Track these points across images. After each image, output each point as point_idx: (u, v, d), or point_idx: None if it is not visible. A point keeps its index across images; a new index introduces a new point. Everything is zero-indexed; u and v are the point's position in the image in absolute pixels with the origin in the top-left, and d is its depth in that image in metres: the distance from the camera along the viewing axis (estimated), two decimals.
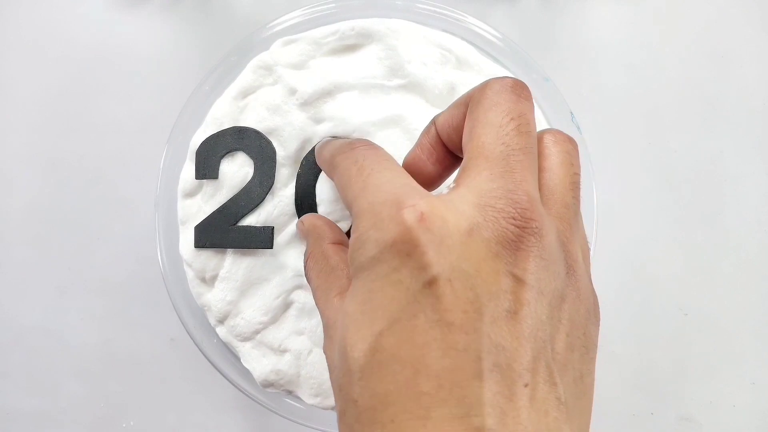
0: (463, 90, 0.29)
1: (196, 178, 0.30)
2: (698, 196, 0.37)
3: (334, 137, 0.28)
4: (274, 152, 0.29)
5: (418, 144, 0.22)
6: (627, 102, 0.38)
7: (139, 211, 0.37)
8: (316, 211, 0.28)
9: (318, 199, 0.28)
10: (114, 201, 0.38)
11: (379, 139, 0.28)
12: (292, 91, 0.29)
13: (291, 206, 0.28)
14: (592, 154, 0.31)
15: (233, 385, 0.31)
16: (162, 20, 0.39)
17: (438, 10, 0.32)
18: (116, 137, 0.38)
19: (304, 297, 0.29)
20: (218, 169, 0.29)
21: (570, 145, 0.20)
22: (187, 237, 0.30)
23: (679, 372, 0.36)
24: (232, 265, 0.29)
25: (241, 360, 0.30)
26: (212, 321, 0.30)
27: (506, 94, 0.19)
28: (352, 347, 0.16)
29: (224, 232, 0.28)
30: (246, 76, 0.30)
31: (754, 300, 0.37)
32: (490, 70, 0.30)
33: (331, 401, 0.29)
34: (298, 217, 0.28)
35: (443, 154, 0.21)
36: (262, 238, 0.28)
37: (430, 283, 0.15)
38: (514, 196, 0.17)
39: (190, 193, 0.30)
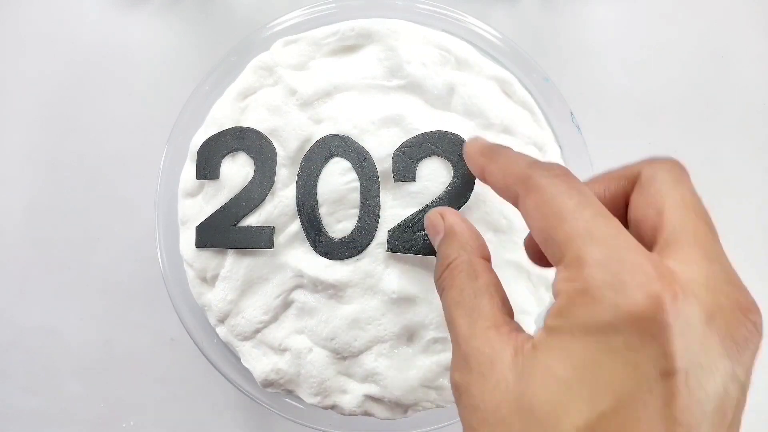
0: (462, 90, 0.29)
1: (198, 178, 0.30)
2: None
3: (477, 137, 0.25)
4: (274, 152, 0.29)
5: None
6: (627, 102, 0.38)
7: (139, 211, 0.37)
8: (318, 212, 0.28)
9: (320, 200, 0.28)
10: (114, 201, 0.38)
11: (378, 138, 0.28)
12: (292, 92, 0.29)
13: (291, 206, 0.28)
14: (592, 154, 0.31)
15: (233, 385, 0.31)
16: (162, 20, 0.39)
17: (438, 10, 0.32)
18: (116, 137, 0.38)
19: (304, 296, 0.29)
20: (219, 170, 0.29)
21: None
22: (187, 237, 0.30)
23: None
24: (232, 264, 0.29)
25: (241, 359, 0.30)
26: (212, 320, 0.30)
27: (681, 172, 0.18)
28: (561, 418, 0.15)
29: (225, 232, 0.28)
30: (246, 77, 0.30)
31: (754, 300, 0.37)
32: (490, 70, 0.30)
33: (330, 400, 0.29)
34: (299, 218, 0.28)
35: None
36: (263, 238, 0.28)
37: (669, 374, 0.14)
38: (736, 285, 0.16)
39: (191, 194, 0.30)
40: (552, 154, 0.30)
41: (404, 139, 0.28)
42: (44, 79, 0.39)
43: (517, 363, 0.17)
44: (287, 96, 0.29)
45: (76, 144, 0.38)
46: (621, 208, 0.20)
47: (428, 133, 0.28)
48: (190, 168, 0.30)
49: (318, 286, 0.28)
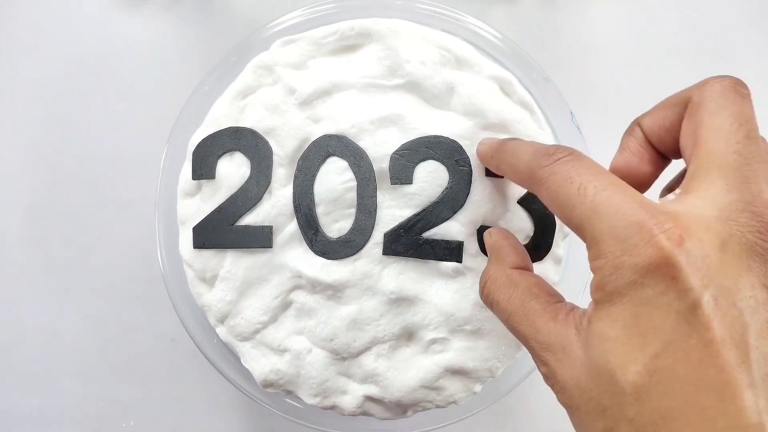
0: (462, 90, 0.29)
1: (193, 178, 0.30)
2: None
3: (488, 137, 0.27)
4: (270, 151, 0.29)
5: (625, 147, 0.22)
6: (627, 102, 0.38)
7: (139, 211, 0.37)
8: (315, 212, 0.28)
9: (317, 199, 0.28)
10: (114, 201, 0.38)
11: (376, 138, 0.28)
12: (291, 91, 0.29)
13: (289, 206, 0.28)
14: (592, 155, 0.30)
15: (233, 385, 0.31)
16: (162, 20, 0.39)
17: (438, 10, 0.32)
18: (116, 137, 0.38)
19: (303, 297, 0.29)
20: (215, 170, 0.29)
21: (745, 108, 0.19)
22: (186, 237, 0.30)
23: None
24: (232, 265, 0.29)
25: (241, 360, 0.30)
26: (212, 321, 0.30)
27: (731, 95, 0.19)
28: (623, 370, 0.17)
29: (223, 232, 0.28)
30: (246, 77, 0.30)
31: None
32: (490, 70, 0.30)
33: (329, 401, 0.29)
34: (296, 218, 0.28)
35: (655, 156, 0.22)
36: (261, 238, 0.28)
37: (698, 304, 0.16)
38: (755, 209, 0.17)
39: (190, 194, 0.30)
40: None
41: (402, 139, 0.28)
42: (44, 79, 0.39)
43: (580, 338, 0.19)
44: (286, 95, 0.29)
45: (76, 144, 0.38)
46: (678, 136, 0.21)
47: (426, 137, 0.28)
48: (189, 168, 0.30)
49: (316, 286, 0.28)
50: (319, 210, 0.28)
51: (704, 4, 0.39)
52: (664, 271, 0.17)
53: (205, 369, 0.32)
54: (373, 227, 0.28)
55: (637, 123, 0.22)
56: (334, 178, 0.28)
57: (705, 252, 0.17)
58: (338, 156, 0.28)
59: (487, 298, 0.23)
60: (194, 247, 0.29)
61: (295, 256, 0.28)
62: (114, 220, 0.38)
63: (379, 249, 0.28)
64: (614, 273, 0.17)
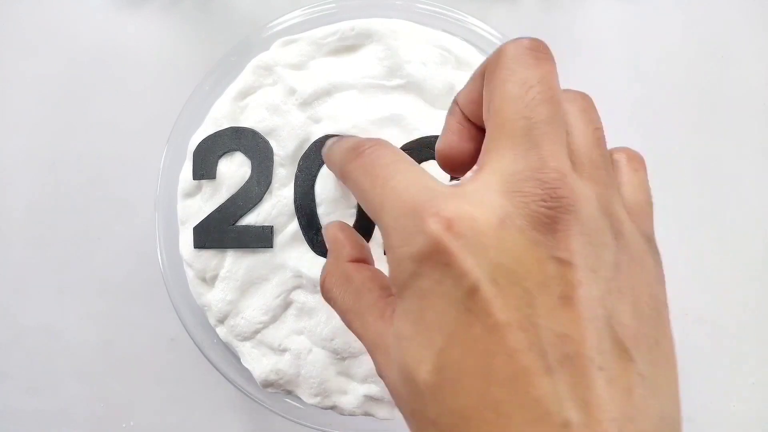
0: None
1: (194, 178, 0.30)
2: (698, 196, 0.37)
3: (337, 136, 0.28)
4: (271, 151, 0.29)
5: (447, 126, 0.21)
6: (627, 102, 0.38)
7: (139, 211, 0.37)
8: (316, 212, 0.28)
9: (318, 200, 0.28)
10: (114, 201, 0.38)
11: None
12: (292, 91, 0.29)
13: (290, 206, 0.28)
14: None
15: (233, 385, 0.31)
16: (162, 20, 0.39)
17: (438, 10, 0.32)
18: (116, 137, 0.38)
19: (304, 297, 0.29)
20: (216, 170, 0.29)
21: (585, 101, 0.19)
22: (187, 237, 0.30)
23: (679, 372, 0.36)
24: (232, 264, 0.29)
25: (241, 360, 0.30)
26: (212, 321, 0.30)
27: (523, 58, 0.17)
28: (416, 369, 0.16)
29: (223, 232, 0.28)
30: (246, 77, 0.30)
31: (754, 300, 0.37)
32: None
33: (330, 400, 0.29)
34: (297, 218, 0.28)
35: (474, 131, 0.20)
36: (262, 238, 0.28)
37: (476, 289, 0.15)
38: (542, 175, 0.15)
39: (190, 194, 0.30)
40: None
41: (403, 139, 0.28)
42: (44, 79, 0.39)
43: (389, 341, 0.17)
44: (286, 95, 0.29)
45: (76, 144, 0.38)
46: None
47: (427, 137, 0.28)
48: (189, 168, 0.30)
49: (317, 286, 0.28)
50: (320, 210, 0.28)
51: (704, 4, 0.39)
52: (437, 258, 0.15)
53: (205, 369, 0.32)
54: (374, 227, 0.28)
55: (455, 100, 0.20)
56: (335, 178, 0.28)
57: (479, 232, 0.15)
58: None
59: (325, 295, 0.22)
60: (195, 247, 0.29)
61: (295, 256, 0.28)
62: (114, 220, 0.38)
63: (380, 249, 0.28)
64: (398, 266, 0.16)
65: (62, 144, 0.38)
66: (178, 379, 0.37)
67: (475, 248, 0.15)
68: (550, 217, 0.15)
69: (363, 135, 0.28)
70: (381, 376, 0.18)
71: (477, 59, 0.30)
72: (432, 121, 0.29)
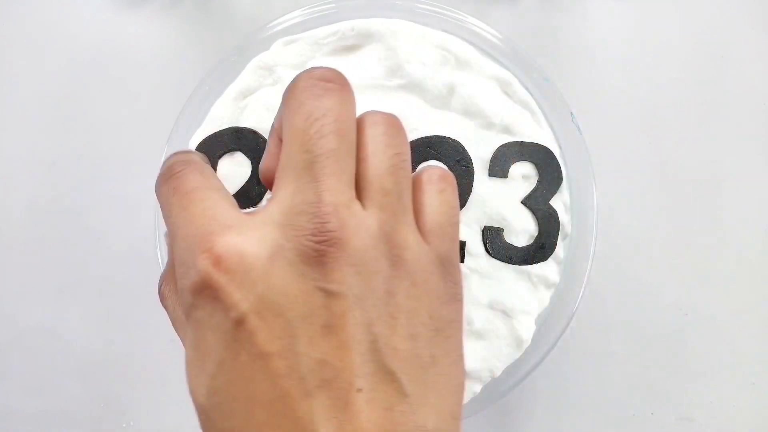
0: (462, 90, 0.29)
1: None
2: (698, 196, 0.37)
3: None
4: None
5: (267, 147, 0.21)
6: (627, 102, 0.38)
7: (139, 211, 0.37)
8: None
9: None
10: (114, 201, 0.38)
11: None
12: None
13: None
14: (592, 155, 0.30)
15: None
16: (162, 20, 0.39)
17: (438, 10, 0.32)
18: (116, 137, 0.38)
19: None
20: (216, 170, 0.29)
21: (387, 125, 0.19)
22: None
23: (679, 372, 0.36)
24: None
25: None
26: None
27: (311, 89, 0.17)
28: (196, 392, 0.17)
29: None
30: (246, 77, 0.30)
31: (754, 300, 0.37)
32: (490, 70, 0.30)
33: None
34: None
35: None
36: None
37: (242, 321, 0.16)
38: (315, 209, 0.16)
39: None
40: None
41: None
42: (44, 79, 0.39)
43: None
44: None
45: (76, 144, 0.38)
46: None
47: (427, 137, 0.28)
48: None
49: None
50: None
51: (704, 4, 0.39)
52: (207, 292, 0.16)
53: None
54: None
55: (273, 122, 0.20)
56: None
57: (247, 267, 0.16)
58: None
59: (162, 302, 0.21)
60: None
61: None
62: (114, 220, 0.38)
63: None
64: (181, 296, 0.17)
65: (62, 144, 0.38)
66: (178, 379, 0.37)
67: (242, 283, 0.16)
68: (317, 250, 0.16)
69: None
70: None
71: (477, 59, 0.30)
72: (432, 121, 0.29)
